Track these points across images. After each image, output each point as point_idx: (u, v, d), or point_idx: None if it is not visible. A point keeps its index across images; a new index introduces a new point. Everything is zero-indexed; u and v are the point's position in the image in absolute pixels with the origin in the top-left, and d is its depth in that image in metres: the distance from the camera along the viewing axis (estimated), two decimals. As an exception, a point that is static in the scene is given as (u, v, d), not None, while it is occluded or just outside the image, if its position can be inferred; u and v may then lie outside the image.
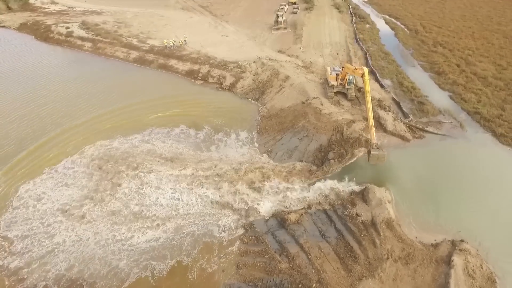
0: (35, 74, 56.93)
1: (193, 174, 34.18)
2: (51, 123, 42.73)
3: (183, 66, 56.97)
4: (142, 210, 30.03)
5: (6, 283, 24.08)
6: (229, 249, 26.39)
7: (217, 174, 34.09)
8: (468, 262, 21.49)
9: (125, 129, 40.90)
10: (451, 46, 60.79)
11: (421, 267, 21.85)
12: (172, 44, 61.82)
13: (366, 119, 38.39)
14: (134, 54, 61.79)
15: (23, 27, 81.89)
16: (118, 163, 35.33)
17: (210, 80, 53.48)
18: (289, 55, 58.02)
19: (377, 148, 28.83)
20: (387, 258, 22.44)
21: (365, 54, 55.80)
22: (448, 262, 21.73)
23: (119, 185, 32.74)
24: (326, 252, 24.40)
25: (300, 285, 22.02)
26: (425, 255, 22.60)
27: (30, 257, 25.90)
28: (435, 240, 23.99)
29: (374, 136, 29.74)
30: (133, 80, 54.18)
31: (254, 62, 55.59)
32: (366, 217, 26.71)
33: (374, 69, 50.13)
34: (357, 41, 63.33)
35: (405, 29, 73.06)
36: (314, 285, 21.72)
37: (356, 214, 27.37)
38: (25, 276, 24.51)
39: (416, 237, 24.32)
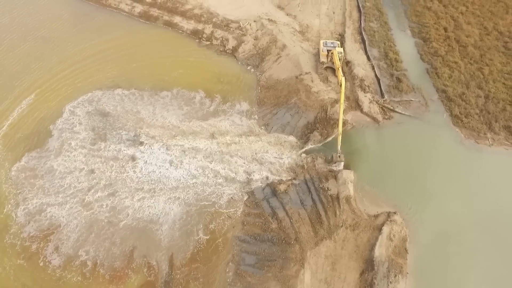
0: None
1: (206, 149, 43.77)
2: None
3: (187, 25, 60.43)
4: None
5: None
6: (237, 211, 37.89)
7: (225, 144, 43.53)
8: (392, 229, 33.02)
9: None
10: (447, 0, 62.31)
11: (363, 232, 33.53)
12: (174, -4, 63.35)
13: (348, 98, 46.09)
14: (138, 8, 63.83)
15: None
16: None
17: (214, 42, 58.04)
18: (287, 14, 60.73)
19: (339, 156, 38.32)
20: (341, 226, 33.99)
21: (360, 15, 58.57)
22: (380, 229, 33.27)
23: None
24: (303, 218, 35.92)
25: (283, 241, 34.10)
26: (367, 224, 34.08)
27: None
28: (377, 212, 35.21)
29: (340, 143, 38.77)
30: (144, 39, 58.88)
31: (255, 21, 59.13)
32: (333, 191, 37.51)
33: (364, 36, 54.45)
34: (355, -8, 64.22)
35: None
36: (292, 242, 33.76)
37: (327, 188, 38.10)
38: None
39: (365, 210, 35.51)
